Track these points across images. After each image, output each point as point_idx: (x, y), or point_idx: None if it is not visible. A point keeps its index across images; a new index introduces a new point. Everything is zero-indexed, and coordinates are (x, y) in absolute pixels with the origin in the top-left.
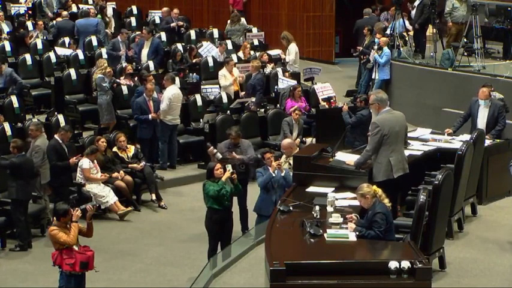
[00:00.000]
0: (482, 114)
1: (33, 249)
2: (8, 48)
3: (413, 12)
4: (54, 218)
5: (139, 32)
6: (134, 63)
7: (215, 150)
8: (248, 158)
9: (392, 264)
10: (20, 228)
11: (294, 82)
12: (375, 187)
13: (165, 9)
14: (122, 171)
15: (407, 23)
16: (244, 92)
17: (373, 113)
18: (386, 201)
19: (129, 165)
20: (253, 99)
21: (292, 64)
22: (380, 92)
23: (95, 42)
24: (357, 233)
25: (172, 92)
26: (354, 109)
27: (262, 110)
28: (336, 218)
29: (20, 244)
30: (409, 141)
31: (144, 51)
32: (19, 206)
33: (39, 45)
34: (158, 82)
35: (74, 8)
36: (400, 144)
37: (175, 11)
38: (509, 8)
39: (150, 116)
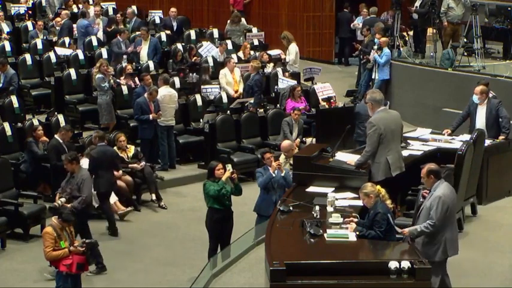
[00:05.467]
0: (480, 113)
1: (33, 249)
2: (8, 48)
3: (415, 14)
4: (55, 217)
5: (139, 32)
6: (134, 63)
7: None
8: (80, 203)
9: (392, 264)
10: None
11: (294, 82)
12: (378, 187)
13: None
14: (120, 171)
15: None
16: (239, 93)
17: (369, 111)
18: (388, 202)
19: (129, 165)
20: (252, 100)
21: (292, 64)
22: (375, 92)
23: (95, 42)
24: (357, 232)
25: (162, 93)
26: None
27: (262, 110)
28: (336, 218)
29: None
30: (409, 141)
31: (143, 51)
32: (102, 198)
33: (39, 45)
34: (158, 82)
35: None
36: (397, 143)
37: (173, 9)
38: (509, 8)
39: (150, 116)
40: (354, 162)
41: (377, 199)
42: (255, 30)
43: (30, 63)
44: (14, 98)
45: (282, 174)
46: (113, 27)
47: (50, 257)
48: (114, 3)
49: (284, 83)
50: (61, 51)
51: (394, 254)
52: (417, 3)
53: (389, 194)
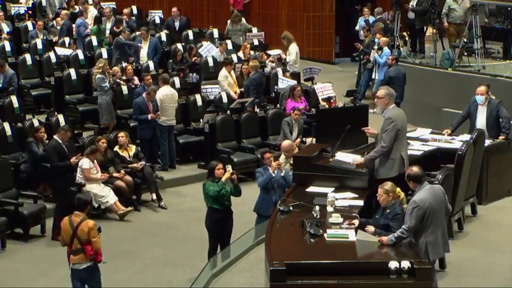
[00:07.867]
0: (481, 114)
1: (33, 249)
2: (8, 48)
3: (410, 13)
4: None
5: (139, 32)
6: (134, 63)
7: None
8: None
9: (392, 264)
10: None
11: (294, 82)
12: (398, 189)
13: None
14: (122, 171)
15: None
16: (237, 94)
17: (379, 108)
18: (405, 206)
19: (129, 165)
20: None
21: (292, 64)
22: (388, 88)
23: (95, 42)
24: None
25: (164, 92)
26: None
27: (259, 109)
28: (336, 218)
29: None
30: (409, 141)
31: (143, 51)
32: None
33: (39, 45)
34: (158, 82)
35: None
36: (406, 139)
37: (174, 9)
38: (509, 8)
39: (149, 116)
40: (364, 157)
41: (396, 200)
42: (255, 30)
43: (30, 63)
44: (14, 98)
45: (282, 174)
46: (121, 27)
47: (99, 248)
48: (114, 3)
49: (284, 83)
50: (61, 51)
51: (394, 254)
52: (413, 2)
53: None
